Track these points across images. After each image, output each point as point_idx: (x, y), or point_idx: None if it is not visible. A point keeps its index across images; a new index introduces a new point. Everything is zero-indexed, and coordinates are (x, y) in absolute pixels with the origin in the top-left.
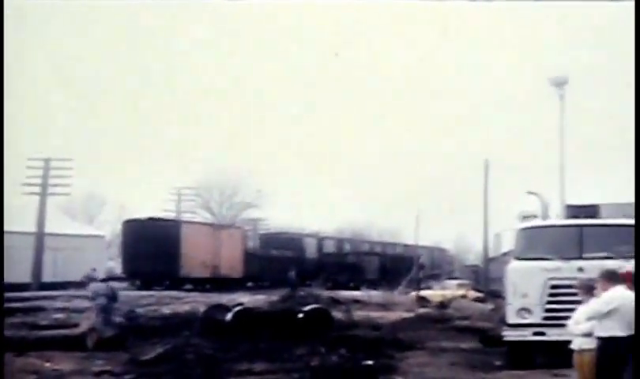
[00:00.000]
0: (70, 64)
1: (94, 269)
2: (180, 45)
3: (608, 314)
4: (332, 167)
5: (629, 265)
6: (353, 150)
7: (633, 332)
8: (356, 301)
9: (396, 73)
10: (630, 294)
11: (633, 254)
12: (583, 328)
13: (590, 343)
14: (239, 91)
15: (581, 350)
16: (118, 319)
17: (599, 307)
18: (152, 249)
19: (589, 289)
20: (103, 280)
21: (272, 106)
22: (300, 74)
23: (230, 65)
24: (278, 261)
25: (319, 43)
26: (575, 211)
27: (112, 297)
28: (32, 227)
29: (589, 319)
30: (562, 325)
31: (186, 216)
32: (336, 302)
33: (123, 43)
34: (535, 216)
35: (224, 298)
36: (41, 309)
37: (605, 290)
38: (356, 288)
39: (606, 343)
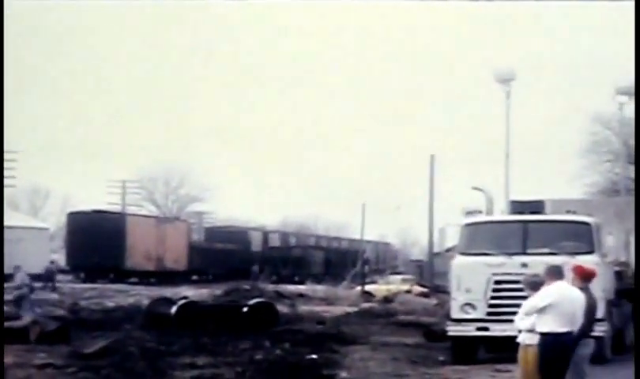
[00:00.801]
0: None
1: (52, 262)
2: (129, 36)
3: (544, 310)
4: (278, 162)
5: (573, 261)
6: (299, 145)
7: (574, 329)
8: (301, 295)
9: (344, 67)
10: (571, 291)
11: (577, 250)
12: (524, 323)
13: (533, 339)
14: (185, 84)
15: (525, 346)
16: (36, 310)
17: (535, 302)
18: (96, 241)
19: (535, 285)
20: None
21: (218, 100)
22: (246, 68)
23: (173, 58)
24: (223, 255)
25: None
26: (520, 206)
27: (31, 288)
28: None
29: (527, 314)
30: (506, 321)
31: (131, 209)
32: (280, 295)
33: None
34: (479, 212)
35: (169, 292)
36: None
37: (549, 285)
38: (301, 282)
39: (545, 339)
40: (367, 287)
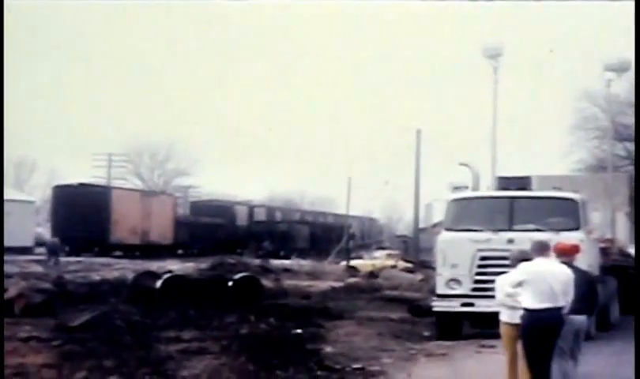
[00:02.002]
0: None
1: (55, 236)
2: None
3: (522, 286)
4: (264, 136)
5: (558, 237)
6: (286, 119)
7: (556, 305)
8: (286, 270)
9: (332, 45)
10: (553, 266)
11: (563, 226)
12: (505, 299)
13: (514, 316)
14: (175, 61)
15: (507, 323)
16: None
17: (511, 278)
18: (81, 215)
19: (522, 260)
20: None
21: (206, 75)
22: (237, 49)
23: (166, 37)
24: (209, 229)
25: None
26: (506, 183)
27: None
28: None
29: (503, 290)
30: (491, 296)
31: (116, 182)
32: (266, 270)
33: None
34: (466, 187)
35: (154, 265)
36: None
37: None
38: (287, 257)
39: (524, 315)
40: (353, 262)
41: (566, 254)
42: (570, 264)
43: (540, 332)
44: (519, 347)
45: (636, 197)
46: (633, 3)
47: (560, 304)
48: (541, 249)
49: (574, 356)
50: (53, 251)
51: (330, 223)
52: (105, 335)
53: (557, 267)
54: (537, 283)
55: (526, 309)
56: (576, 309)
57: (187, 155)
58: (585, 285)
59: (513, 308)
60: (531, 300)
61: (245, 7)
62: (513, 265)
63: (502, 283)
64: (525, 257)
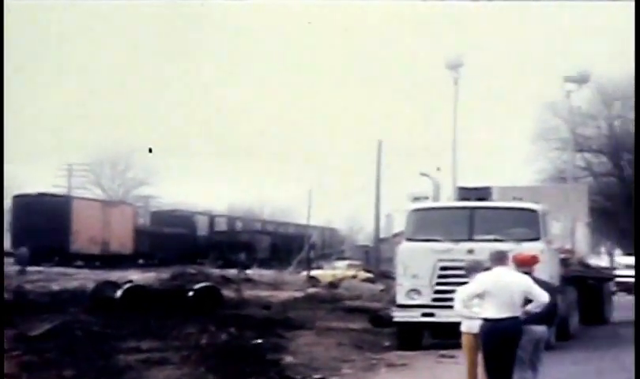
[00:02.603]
0: None
1: (24, 247)
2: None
3: (482, 295)
4: (225, 146)
5: (519, 248)
6: (247, 129)
7: (514, 315)
8: (247, 280)
9: (291, 53)
10: (512, 276)
11: (523, 237)
12: (465, 311)
13: (474, 326)
14: (135, 68)
15: (467, 333)
16: None
17: (471, 289)
18: (41, 224)
19: (475, 269)
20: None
21: (167, 84)
22: (192, 54)
23: (126, 44)
24: (169, 239)
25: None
26: (467, 193)
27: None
28: None
29: (463, 301)
30: (452, 307)
31: (76, 192)
32: (227, 280)
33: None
34: (426, 198)
35: (114, 275)
36: None
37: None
38: (247, 267)
39: (483, 325)
40: (313, 273)
41: (526, 265)
42: (530, 275)
43: (500, 342)
44: (479, 356)
45: (636, 196)
46: (633, 3)
47: (518, 313)
48: (499, 258)
49: (534, 366)
50: (22, 261)
51: (291, 233)
52: (65, 345)
53: (516, 276)
54: (496, 293)
55: (486, 319)
56: (536, 319)
57: (148, 165)
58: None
59: (472, 318)
60: (490, 310)
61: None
62: (467, 275)
63: (461, 294)
64: (479, 267)
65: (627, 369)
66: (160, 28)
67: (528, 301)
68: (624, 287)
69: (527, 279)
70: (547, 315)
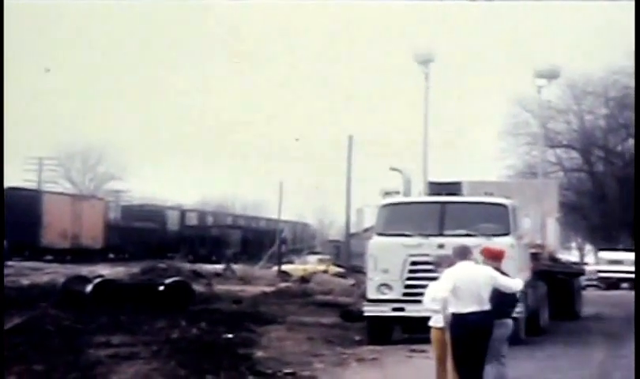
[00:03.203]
0: None
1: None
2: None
3: (450, 290)
4: (196, 140)
5: (489, 243)
6: (218, 124)
7: (482, 308)
8: (218, 274)
9: (264, 45)
10: (475, 270)
11: (493, 232)
12: (433, 305)
13: (443, 320)
14: (108, 62)
15: (436, 328)
16: None
17: (438, 285)
18: (11, 218)
19: (448, 265)
20: None
21: (138, 76)
22: (170, 49)
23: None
24: (140, 233)
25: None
26: (437, 188)
27: None
28: None
29: (432, 298)
30: (422, 301)
31: (47, 186)
32: (197, 275)
33: None
34: (397, 193)
35: (85, 270)
36: None
37: (451, 265)
38: (218, 262)
39: (452, 320)
40: (284, 267)
41: (493, 258)
42: (498, 270)
43: (468, 336)
44: (448, 351)
45: (636, 196)
46: (632, 3)
47: (487, 307)
48: (462, 253)
49: (500, 360)
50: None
51: (262, 228)
52: (35, 340)
53: (481, 269)
54: (462, 287)
55: (453, 314)
56: (497, 313)
57: (118, 159)
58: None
59: (440, 312)
60: (457, 304)
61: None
62: (438, 270)
63: (430, 289)
64: (450, 262)
65: (596, 365)
66: (135, 26)
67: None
68: (608, 283)
69: (492, 270)
70: (507, 309)
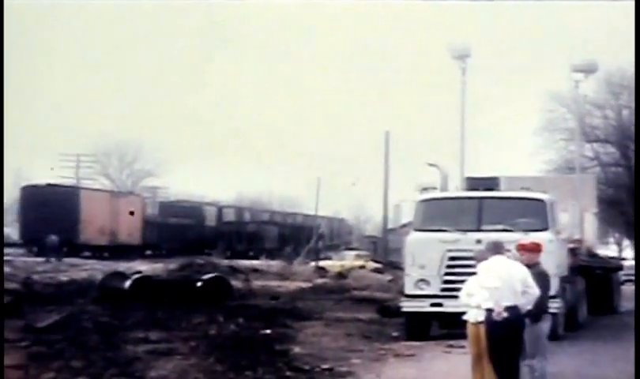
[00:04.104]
0: None
1: (54, 236)
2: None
3: (486, 286)
4: (233, 136)
5: (527, 238)
6: (255, 120)
7: (520, 302)
8: (255, 270)
9: (302, 44)
10: (510, 264)
11: (531, 227)
12: (467, 299)
13: (479, 315)
14: (144, 60)
15: (477, 323)
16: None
17: (477, 281)
18: (49, 215)
19: (482, 260)
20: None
21: (175, 74)
22: (208, 48)
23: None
24: (177, 229)
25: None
26: (475, 183)
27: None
28: None
29: (468, 294)
30: (459, 297)
31: (84, 183)
32: (235, 270)
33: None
34: (434, 188)
35: (122, 266)
36: None
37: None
38: (255, 257)
39: (489, 315)
40: (321, 263)
41: (528, 251)
42: (537, 265)
43: (504, 331)
44: (484, 346)
45: (636, 196)
46: (632, 3)
47: (521, 302)
48: (495, 248)
49: (543, 355)
50: (53, 249)
51: (299, 224)
52: (73, 336)
53: (514, 265)
54: (507, 281)
55: (489, 309)
56: (541, 307)
57: (156, 156)
58: (546, 285)
59: (476, 308)
60: (493, 299)
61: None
62: (476, 265)
63: (467, 284)
64: (488, 257)
65: (633, 360)
66: (170, 26)
67: None
68: None
69: (524, 268)
70: (545, 305)
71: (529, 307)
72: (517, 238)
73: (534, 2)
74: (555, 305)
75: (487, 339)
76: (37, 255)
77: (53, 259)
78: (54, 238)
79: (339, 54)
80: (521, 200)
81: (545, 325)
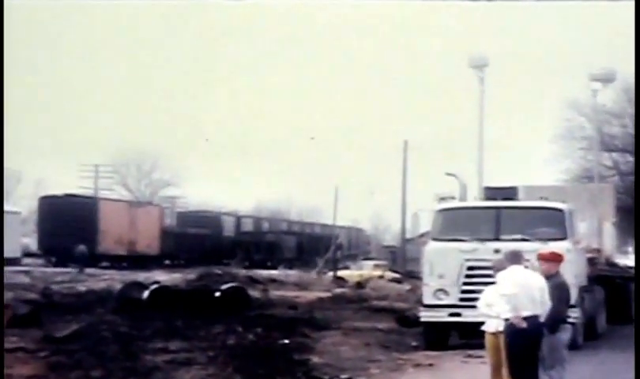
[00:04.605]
0: None
1: (83, 246)
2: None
3: (503, 296)
4: (251, 146)
5: (546, 247)
6: (272, 129)
7: (538, 311)
8: (273, 280)
9: (318, 53)
10: (529, 275)
11: (550, 236)
12: (485, 309)
13: (498, 325)
14: (162, 70)
15: (496, 333)
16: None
17: (503, 289)
18: (68, 225)
19: (501, 269)
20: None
21: (192, 84)
22: (218, 55)
23: (151, 51)
24: (196, 239)
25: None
26: (493, 193)
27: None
28: None
29: (487, 304)
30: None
31: (103, 193)
32: (253, 280)
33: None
34: (453, 198)
35: (141, 276)
36: None
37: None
38: (274, 267)
39: (509, 324)
40: (340, 273)
41: (547, 261)
42: (555, 276)
43: (525, 341)
44: (503, 356)
45: (636, 196)
46: (632, 3)
47: (539, 311)
48: (514, 258)
49: (562, 365)
50: (81, 259)
51: (317, 234)
52: (92, 346)
53: (533, 274)
54: (517, 292)
55: (508, 319)
56: (560, 317)
57: (174, 166)
58: (565, 294)
59: (495, 317)
60: (513, 308)
61: (232, 14)
62: (494, 275)
63: (485, 294)
64: (500, 266)
65: None
66: (183, 32)
67: None
68: None
69: (542, 278)
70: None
71: (543, 319)
72: (535, 248)
73: (552, 10)
74: (574, 315)
75: (507, 349)
76: (56, 265)
77: (78, 269)
78: (82, 247)
79: (357, 63)
80: (540, 209)
81: (564, 335)
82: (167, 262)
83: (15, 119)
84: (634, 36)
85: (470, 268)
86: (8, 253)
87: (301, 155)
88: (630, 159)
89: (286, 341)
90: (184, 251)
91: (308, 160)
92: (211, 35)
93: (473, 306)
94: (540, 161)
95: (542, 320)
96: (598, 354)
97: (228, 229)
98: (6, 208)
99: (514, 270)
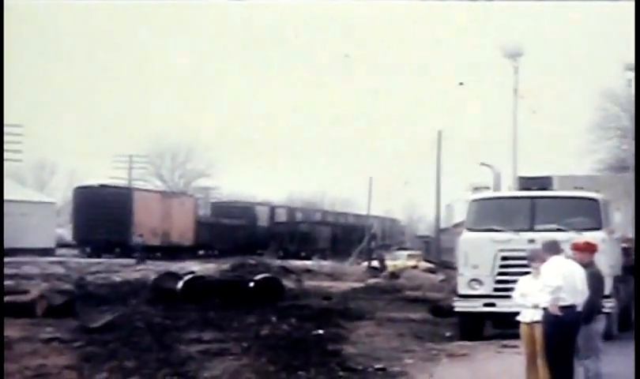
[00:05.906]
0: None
1: (140, 235)
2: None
3: (546, 286)
4: (285, 137)
5: (580, 237)
6: (307, 120)
7: (578, 301)
8: (307, 270)
9: (352, 42)
10: (571, 265)
11: (584, 226)
12: (520, 299)
13: (534, 315)
14: (195, 65)
15: (532, 323)
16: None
17: (549, 281)
18: (102, 216)
19: (540, 260)
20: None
21: (225, 79)
22: (250, 51)
23: (184, 41)
24: (229, 230)
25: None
26: (527, 183)
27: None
28: None
29: (523, 293)
30: (512, 296)
31: (137, 184)
32: (287, 271)
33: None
34: (487, 188)
35: (175, 266)
36: None
37: (544, 261)
38: (307, 258)
39: (546, 314)
40: (374, 263)
41: (582, 251)
42: (590, 263)
43: (561, 330)
44: (538, 346)
45: (636, 196)
46: (633, 3)
47: (578, 302)
48: (553, 248)
49: (597, 355)
50: (139, 249)
51: (351, 224)
52: (126, 337)
53: (574, 264)
54: (570, 280)
55: (546, 309)
56: (595, 307)
57: (207, 156)
58: (600, 285)
59: (531, 308)
60: (553, 298)
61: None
62: (529, 265)
63: (519, 284)
64: (538, 256)
65: None
66: (215, 27)
67: None
68: None
69: (581, 268)
70: (600, 304)
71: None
72: (570, 238)
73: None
74: (608, 305)
75: (545, 338)
76: (90, 255)
77: (137, 259)
78: (139, 238)
79: (391, 54)
80: (575, 199)
81: (599, 325)
82: (200, 252)
83: (47, 111)
84: (634, 36)
85: (504, 259)
86: (43, 243)
87: (336, 145)
88: None
89: (320, 331)
90: (218, 241)
91: (343, 150)
92: (251, 34)
93: (508, 296)
94: (576, 151)
95: (579, 309)
96: (633, 345)
97: (262, 219)
98: (41, 198)
99: (558, 261)
